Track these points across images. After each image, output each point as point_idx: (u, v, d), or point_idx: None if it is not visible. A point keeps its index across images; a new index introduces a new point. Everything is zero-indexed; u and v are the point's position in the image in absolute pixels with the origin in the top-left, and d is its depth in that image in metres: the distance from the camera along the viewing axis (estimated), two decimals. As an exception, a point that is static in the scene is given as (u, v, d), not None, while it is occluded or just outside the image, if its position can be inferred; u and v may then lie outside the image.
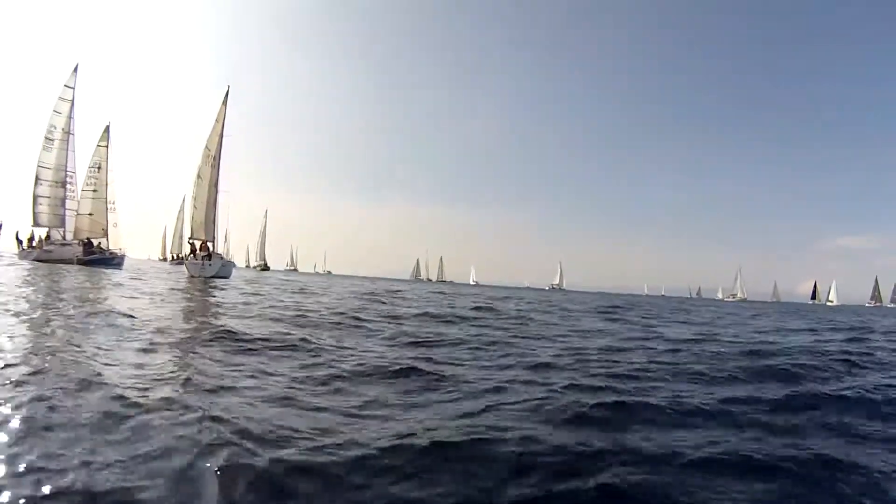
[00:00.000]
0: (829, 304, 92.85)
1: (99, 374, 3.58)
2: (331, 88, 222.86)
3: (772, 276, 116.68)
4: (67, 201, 31.38)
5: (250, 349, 5.35)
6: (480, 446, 2.66)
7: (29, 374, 3.45)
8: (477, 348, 6.41)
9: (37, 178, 30.78)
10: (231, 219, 28.11)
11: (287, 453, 2.41)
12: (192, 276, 24.17)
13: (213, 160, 27.08)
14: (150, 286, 15.02)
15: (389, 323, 8.89)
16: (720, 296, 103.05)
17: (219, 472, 2.15)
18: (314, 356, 5.19)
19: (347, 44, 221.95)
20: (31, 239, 31.42)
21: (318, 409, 3.28)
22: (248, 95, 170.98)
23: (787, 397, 4.13)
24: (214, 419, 2.78)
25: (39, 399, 2.92)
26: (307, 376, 4.23)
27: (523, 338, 7.91)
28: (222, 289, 16.89)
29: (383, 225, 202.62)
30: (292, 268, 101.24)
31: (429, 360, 5.30)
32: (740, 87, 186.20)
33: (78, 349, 4.52)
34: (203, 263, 25.50)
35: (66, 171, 31.38)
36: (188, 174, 27.94)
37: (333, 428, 2.88)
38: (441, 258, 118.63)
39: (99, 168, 28.81)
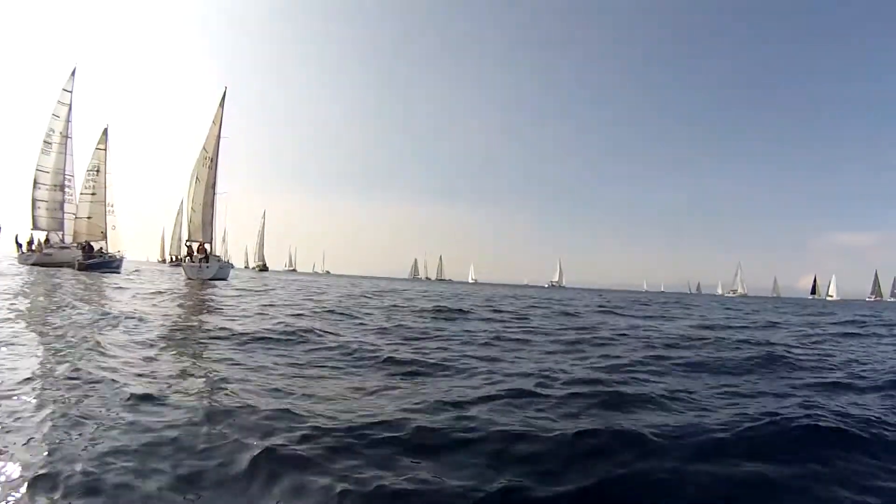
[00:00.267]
0: (828, 298, 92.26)
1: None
2: (329, 89, 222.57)
3: (772, 271, 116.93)
4: (66, 205, 31.62)
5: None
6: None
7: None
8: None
9: (35, 182, 30.99)
10: (229, 220, 28.26)
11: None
12: (190, 279, 24.29)
13: (210, 162, 27.10)
14: (146, 289, 15.26)
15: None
16: (720, 291, 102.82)
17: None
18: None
19: (346, 44, 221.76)
20: (30, 242, 31.63)
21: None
22: (247, 96, 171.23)
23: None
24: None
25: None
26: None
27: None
28: (219, 291, 17.11)
29: (382, 225, 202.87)
30: (291, 268, 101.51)
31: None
32: (740, 87, 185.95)
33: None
34: (201, 266, 25.50)
35: (65, 174, 31.61)
36: (186, 176, 28.02)
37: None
38: (440, 257, 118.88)
39: (97, 171, 28.96)
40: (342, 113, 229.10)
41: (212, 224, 27.08)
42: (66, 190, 31.69)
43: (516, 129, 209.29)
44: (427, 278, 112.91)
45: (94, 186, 28.76)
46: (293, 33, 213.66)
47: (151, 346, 5.43)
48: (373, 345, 6.28)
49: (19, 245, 31.83)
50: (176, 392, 3.58)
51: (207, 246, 26.90)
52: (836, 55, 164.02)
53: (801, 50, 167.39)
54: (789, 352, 6.84)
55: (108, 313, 7.64)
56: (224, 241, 34.22)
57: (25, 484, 2.12)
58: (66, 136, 31.33)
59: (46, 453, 2.41)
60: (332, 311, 10.26)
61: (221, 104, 27.55)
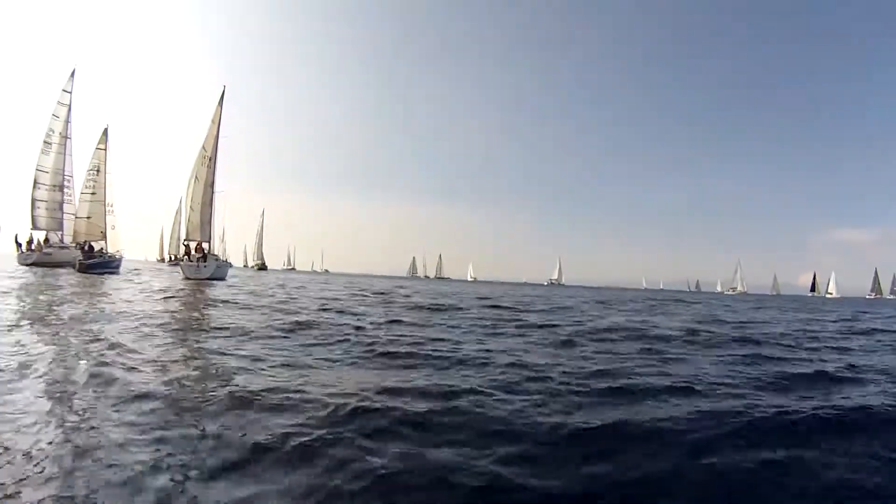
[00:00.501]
0: (828, 296, 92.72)
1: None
2: (329, 89, 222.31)
3: (772, 269, 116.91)
4: (65, 205, 31.77)
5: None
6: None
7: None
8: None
9: (35, 182, 31.16)
10: (228, 219, 28.41)
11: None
12: (188, 278, 24.42)
13: (209, 161, 27.18)
14: (142, 289, 15.46)
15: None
16: (719, 289, 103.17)
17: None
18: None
19: (346, 44, 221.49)
20: (29, 242, 31.75)
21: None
22: (247, 96, 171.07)
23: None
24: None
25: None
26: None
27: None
28: (216, 292, 17.30)
29: (382, 224, 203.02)
30: (290, 267, 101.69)
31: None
32: (740, 87, 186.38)
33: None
34: (198, 265, 25.54)
35: (64, 174, 31.80)
36: (185, 175, 28.12)
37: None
38: (440, 255, 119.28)
39: (98, 171, 29.07)
40: (342, 113, 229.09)
41: (210, 223, 27.22)
42: (66, 190, 31.86)
43: (516, 129, 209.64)
44: (426, 276, 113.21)
45: (94, 186, 28.87)
46: (293, 33, 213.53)
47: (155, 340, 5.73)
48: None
49: (19, 245, 31.92)
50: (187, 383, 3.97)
51: (205, 245, 26.99)
52: (835, 55, 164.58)
53: (801, 50, 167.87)
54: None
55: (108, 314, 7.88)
56: (222, 240, 34.36)
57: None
58: (65, 137, 31.51)
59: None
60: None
61: (220, 103, 27.72)
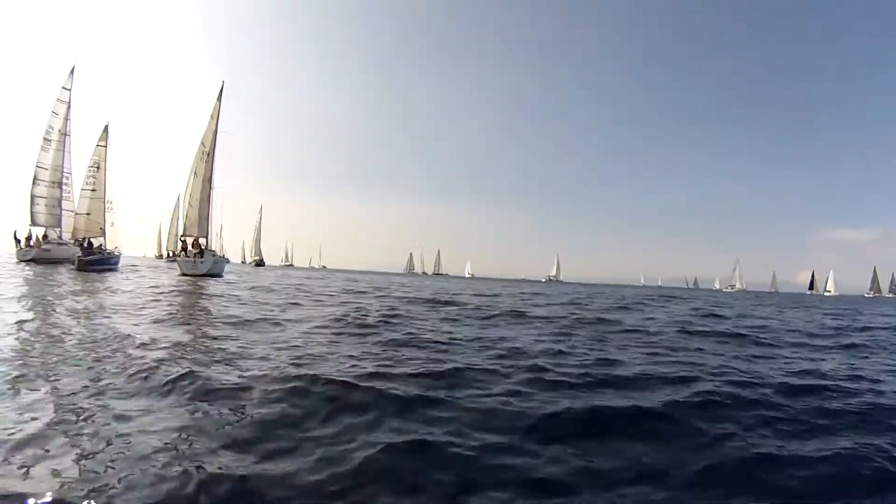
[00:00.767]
0: (826, 294, 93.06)
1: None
2: (329, 88, 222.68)
3: (771, 267, 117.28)
4: (63, 202, 31.94)
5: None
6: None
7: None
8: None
9: (35, 178, 31.27)
10: (226, 215, 28.59)
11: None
12: (184, 274, 24.58)
13: (208, 156, 27.27)
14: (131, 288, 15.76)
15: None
16: (717, 286, 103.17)
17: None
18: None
19: (346, 44, 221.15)
20: (28, 238, 31.91)
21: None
22: (247, 94, 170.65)
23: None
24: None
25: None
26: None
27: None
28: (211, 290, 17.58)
29: (381, 223, 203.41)
30: (288, 263, 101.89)
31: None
32: (739, 87, 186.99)
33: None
34: (195, 261, 25.65)
35: (63, 171, 31.94)
36: (184, 172, 28.33)
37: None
38: (438, 251, 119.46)
39: (98, 168, 29.22)
40: (342, 112, 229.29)
41: (208, 219, 27.35)
42: (65, 187, 32.02)
43: (516, 128, 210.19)
44: (424, 273, 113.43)
45: (93, 183, 29.04)
46: (293, 32, 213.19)
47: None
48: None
49: (18, 241, 32.06)
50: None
51: (202, 240, 27.16)
52: (835, 55, 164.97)
53: (801, 50, 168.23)
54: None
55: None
56: (219, 235, 34.57)
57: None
58: (64, 134, 31.65)
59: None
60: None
61: (219, 98, 27.86)
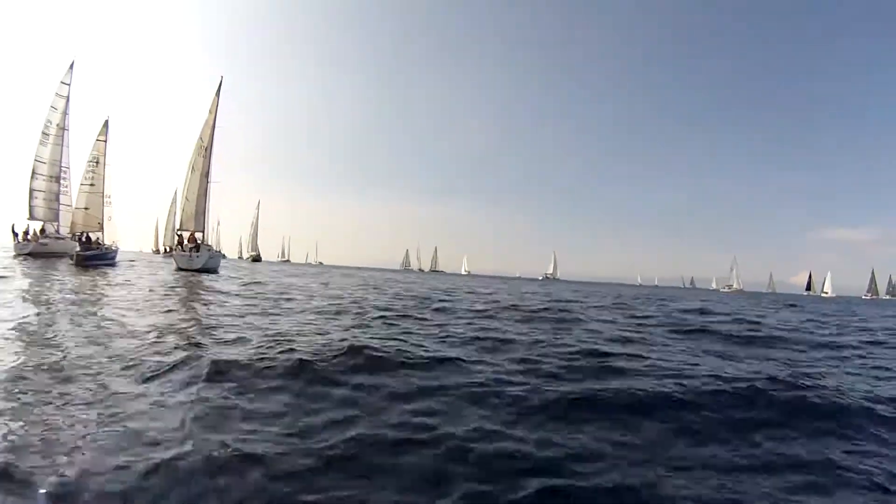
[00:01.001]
0: (823, 295, 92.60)
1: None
2: (329, 88, 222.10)
3: (769, 268, 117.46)
4: (61, 196, 32.11)
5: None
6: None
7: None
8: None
9: (33, 172, 31.42)
10: (223, 210, 28.77)
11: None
12: (180, 269, 24.78)
13: (205, 151, 27.44)
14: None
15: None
16: (714, 286, 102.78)
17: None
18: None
19: (346, 44, 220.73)
20: (25, 232, 32.05)
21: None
22: (246, 93, 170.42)
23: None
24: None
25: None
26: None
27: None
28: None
29: (379, 220, 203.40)
30: (284, 259, 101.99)
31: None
32: (739, 87, 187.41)
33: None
34: (191, 255, 25.82)
35: (61, 166, 32.12)
36: (181, 167, 28.54)
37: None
38: (435, 248, 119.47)
39: (97, 162, 29.37)
40: (342, 111, 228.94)
41: (205, 213, 27.56)
42: (62, 181, 32.19)
43: (516, 128, 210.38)
44: (420, 270, 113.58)
45: (93, 178, 29.18)
46: (293, 32, 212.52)
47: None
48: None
49: (15, 234, 32.21)
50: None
51: (199, 235, 27.35)
52: (834, 55, 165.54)
53: (801, 50, 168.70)
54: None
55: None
56: (214, 230, 34.70)
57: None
58: (63, 129, 31.82)
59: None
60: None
61: (217, 93, 28.05)
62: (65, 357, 4.68)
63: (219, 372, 4.22)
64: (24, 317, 6.78)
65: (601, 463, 2.85)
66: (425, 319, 8.92)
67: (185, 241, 27.01)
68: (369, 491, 2.44)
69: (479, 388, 4.12)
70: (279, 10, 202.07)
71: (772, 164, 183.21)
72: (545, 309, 11.90)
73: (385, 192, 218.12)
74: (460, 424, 3.28)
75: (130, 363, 4.54)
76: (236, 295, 12.18)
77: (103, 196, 29.44)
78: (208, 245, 28.11)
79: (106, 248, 28.45)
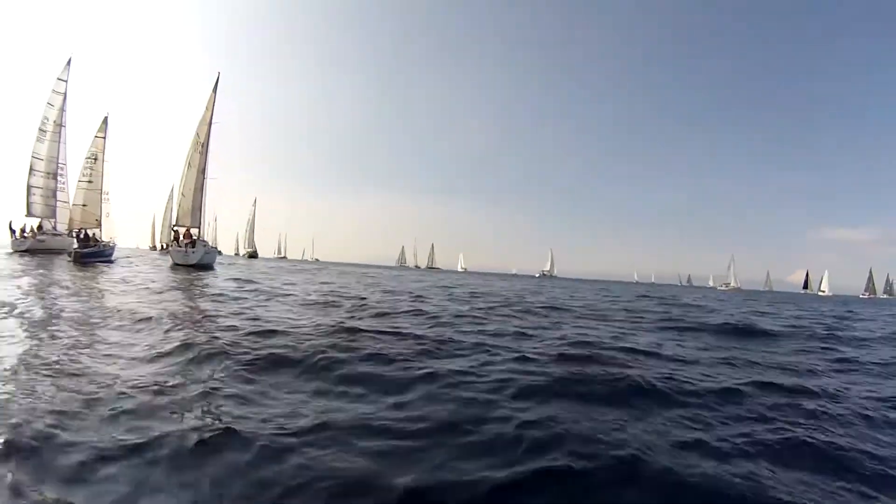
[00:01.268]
0: (820, 293, 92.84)
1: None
2: (328, 85, 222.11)
3: (769, 266, 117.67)
4: (58, 192, 32.26)
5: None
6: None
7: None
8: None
9: (31, 169, 31.52)
10: (220, 206, 28.94)
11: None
12: (176, 264, 24.95)
13: (202, 147, 27.60)
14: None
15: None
16: (711, 283, 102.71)
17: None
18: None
19: (346, 43, 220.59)
20: (22, 229, 32.17)
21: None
22: (246, 90, 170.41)
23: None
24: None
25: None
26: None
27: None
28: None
29: (378, 218, 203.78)
30: (281, 256, 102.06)
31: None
32: (739, 87, 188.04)
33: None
34: (187, 251, 25.97)
35: (58, 162, 32.25)
36: (178, 163, 28.63)
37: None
38: (432, 245, 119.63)
39: (95, 159, 29.50)
40: (341, 111, 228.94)
41: (201, 209, 27.75)
42: (59, 178, 32.33)
43: (515, 128, 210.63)
44: (417, 267, 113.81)
45: (90, 174, 29.32)
46: (293, 31, 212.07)
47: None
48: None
49: (13, 231, 32.34)
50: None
51: (194, 231, 27.51)
52: (835, 54, 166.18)
53: (801, 50, 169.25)
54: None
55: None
56: (210, 226, 34.88)
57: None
58: (59, 125, 31.95)
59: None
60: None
61: (214, 90, 28.22)
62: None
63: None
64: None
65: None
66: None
67: (181, 237, 27.14)
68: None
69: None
70: (279, 9, 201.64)
71: (771, 164, 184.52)
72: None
73: (383, 190, 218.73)
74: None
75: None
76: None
77: (101, 193, 29.59)
78: (204, 241, 28.30)
79: (104, 245, 28.58)
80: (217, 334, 5.70)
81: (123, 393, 3.44)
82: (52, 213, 32.14)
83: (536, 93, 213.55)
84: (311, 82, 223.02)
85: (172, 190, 52.23)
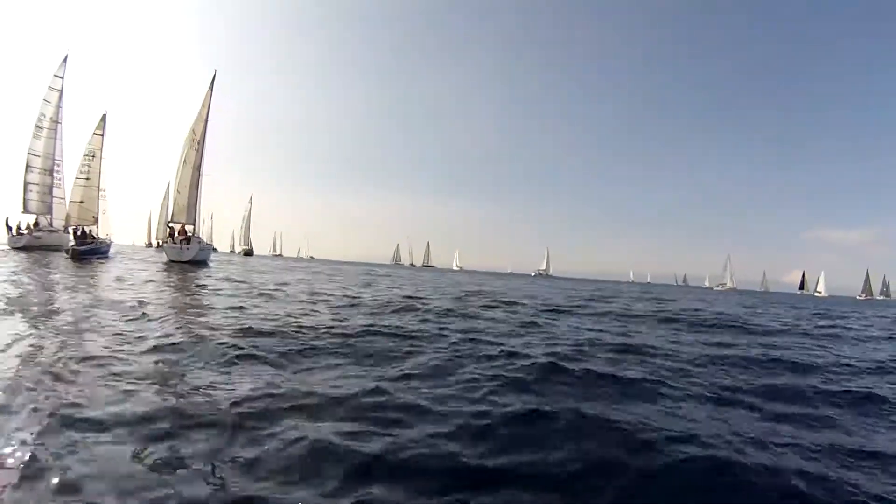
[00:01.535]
0: (816, 294, 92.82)
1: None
2: (327, 85, 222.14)
3: (766, 266, 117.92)
4: (54, 188, 32.46)
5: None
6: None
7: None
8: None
9: (27, 166, 31.63)
10: (216, 203, 29.18)
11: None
12: (171, 261, 25.19)
13: (198, 144, 27.73)
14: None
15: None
16: (707, 284, 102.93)
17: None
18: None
19: (346, 43, 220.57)
20: (19, 226, 32.34)
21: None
22: (245, 89, 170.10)
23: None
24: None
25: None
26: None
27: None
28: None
29: (376, 217, 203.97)
30: (277, 254, 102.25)
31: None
32: (739, 87, 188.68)
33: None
34: (181, 248, 26.20)
35: (54, 159, 32.44)
36: (174, 160, 28.75)
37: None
38: (427, 244, 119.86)
39: (93, 156, 29.72)
40: (340, 110, 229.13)
41: (196, 206, 27.90)
42: (55, 174, 32.51)
43: (516, 128, 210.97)
44: (412, 265, 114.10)
45: (88, 171, 29.54)
46: (292, 30, 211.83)
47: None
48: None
49: (9, 228, 32.50)
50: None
51: (189, 227, 27.67)
52: (835, 54, 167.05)
53: (801, 50, 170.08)
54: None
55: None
56: (205, 223, 35.21)
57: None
58: (56, 122, 32.10)
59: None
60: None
61: (211, 87, 28.36)
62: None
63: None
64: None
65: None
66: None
67: (176, 234, 27.35)
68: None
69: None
70: (278, 7, 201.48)
71: (770, 164, 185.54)
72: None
73: (381, 189, 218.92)
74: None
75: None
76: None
77: (98, 190, 29.84)
78: (199, 238, 28.49)
79: (100, 242, 28.84)
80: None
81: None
82: (49, 210, 32.29)
83: (536, 93, 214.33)
84: (310, 80, 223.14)
85: (168, 187, 52.32)
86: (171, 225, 28.24)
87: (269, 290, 12.47)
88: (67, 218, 30.00)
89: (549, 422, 3.24)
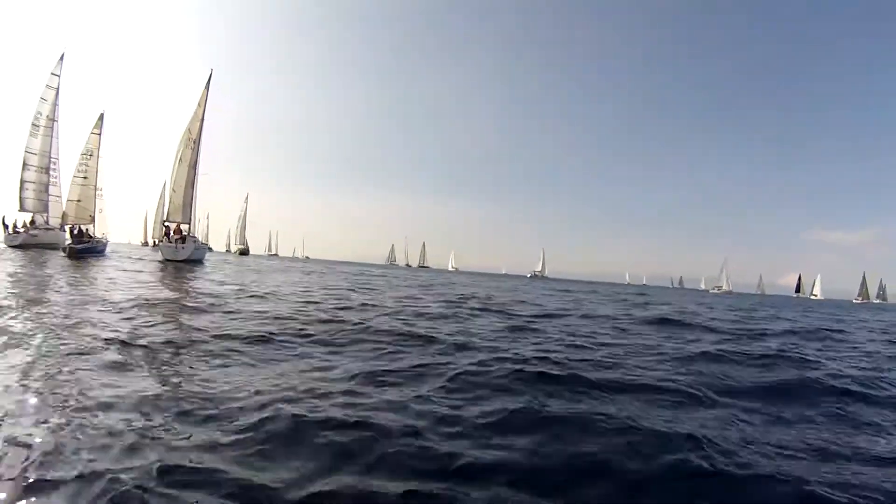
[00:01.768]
0: (812, 297, 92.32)
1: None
2: (326, 85, 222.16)
3: (763, 269, 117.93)
4: (50, 187, 32.56)
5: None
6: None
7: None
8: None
9: (24, 164, 31.69)
10: (212, 203, 29.34)
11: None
12: (166, 259, 25.37)
13: (194, 143, 27.96)
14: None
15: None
16: (703, 286, 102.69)
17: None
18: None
19: (346, 43, 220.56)
20: (15, 224, 32.40)
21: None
22: (245, 89, 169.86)
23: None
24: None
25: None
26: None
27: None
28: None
29: (368, 215, 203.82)
30: (272, 253, 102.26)
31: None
32: (739, 87, 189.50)
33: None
34: (177, 247, 26.34)
35: (50, 157, 32.53)
36: (170, 159, 28.87)
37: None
38: (423, 244, 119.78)
39: (91, 155, 29.84)
40: (338, 110, 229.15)
41: (192, 205, 28.08)
42: (52, 173, 32.61)
43: (516, 128, 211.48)
44: (407, 265, 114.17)
45: (85, 170, 29.68)
46: (292, 30, 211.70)
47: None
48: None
49: (6, 226, 32.56)
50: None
51: (185, 226, 27.82)
52: (835, 54, 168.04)
53: (801, 50, 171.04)
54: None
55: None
56: (200, 221, 35.29)
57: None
58: (52, 120, 32.21)
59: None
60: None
61: (207, 86, 28.60)
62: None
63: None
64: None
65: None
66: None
67: (172, 233, 27.50)
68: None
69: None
70: (277, 6, 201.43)
71: (771, 164, 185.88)
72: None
73: (379, 189, 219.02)
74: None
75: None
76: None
77: (95, 189, 29.97)
78: (194, 237, 28.68)
79: (96, 241, 28.97)
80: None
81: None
82: (45, 208, 32.35)
83: (536, 93, 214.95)
84: (310, 80, 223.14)
85: (164, 185, 52.40)
86: (166, 224, 28.36)
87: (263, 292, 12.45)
88: (64, 216, 30.10)
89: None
